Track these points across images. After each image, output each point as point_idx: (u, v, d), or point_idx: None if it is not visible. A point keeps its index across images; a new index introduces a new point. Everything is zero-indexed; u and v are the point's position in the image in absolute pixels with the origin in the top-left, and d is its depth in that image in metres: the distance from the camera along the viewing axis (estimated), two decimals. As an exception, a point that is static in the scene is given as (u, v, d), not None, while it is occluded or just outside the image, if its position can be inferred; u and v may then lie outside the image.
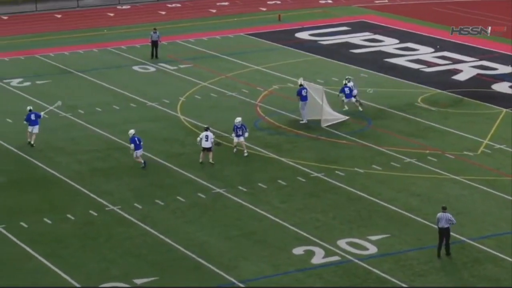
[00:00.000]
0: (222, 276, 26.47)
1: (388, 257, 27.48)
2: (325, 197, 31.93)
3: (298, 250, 27.92)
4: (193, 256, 27.63)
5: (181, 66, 49.00)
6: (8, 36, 56.38)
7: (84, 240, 28.79)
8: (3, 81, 46.46)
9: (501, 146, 36.73)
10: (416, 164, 34.88)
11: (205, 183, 33.15)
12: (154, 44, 50.16)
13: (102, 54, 51.85)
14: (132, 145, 34.24)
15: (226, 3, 65.32)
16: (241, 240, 28.74)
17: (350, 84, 41.00)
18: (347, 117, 39.87)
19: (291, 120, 39.95)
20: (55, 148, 36.86)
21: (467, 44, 52.42)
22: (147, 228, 29.58)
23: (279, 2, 65.58)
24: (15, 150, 36.60)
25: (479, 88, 44.68)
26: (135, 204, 31.41)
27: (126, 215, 30.61)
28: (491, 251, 27.90)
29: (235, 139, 35.73)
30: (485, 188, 32.59)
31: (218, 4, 65.00)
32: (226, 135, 36.50)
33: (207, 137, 34.67)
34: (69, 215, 30.50)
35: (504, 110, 41.12)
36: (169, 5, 64.98)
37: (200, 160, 34.87)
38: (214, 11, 63.15)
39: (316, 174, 33.91)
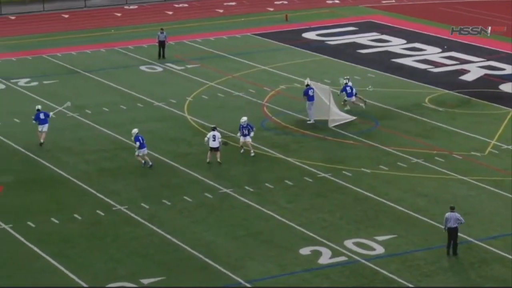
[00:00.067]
0: (228, 276, 26.48)
1: (395, 258, 27.45)
2: (332, 197, 31.92)
3: (305, 250, 27.91)
4: (200, 256, 27.64)
5: (188, 66, 49.03)
6: (16, 36, 56.50)
7: (91, 240, 28.84)
8: (11, 81, 46.56)
9: (509, 147, 36.65)
10: (423, 164, 34.83)
11: (212, 183, 33.17)
12: (161, 44, 50.20)
13: (109, 54, 51.92)
14: (138, 143, 34.28)
15: (233, 3, 65.34)
16: (248, 240, 28.75)
17: (350, 83, 41.05)
18: (354, 118, 39.84)
19: (298, 120, 39.94)
20: (63, 148, 36.91)
21: (475, 44, 52.34)
22: (154, 228, 29.61)
23: (286, 2, 65.57)
24: (23, 150, 36.67)
25: (486, 89, 44.61)
26: (142, 204, 31.44)
27: (133, 215, 30.64)
28: (498, 251, 27.85)
29: (241, 139, 35.75)
30: (492, 189, 32.53)
31: (225, 4, 65.01)
32: (233, 134, 36.50)
33: (214, 137, 34.69)
34: (76, 215, 30.55)
35: (512, 110, 41.10)
36: (176, 5, 65.02)
37: (207, 160, 34.88)
38: (221, 11, 63.17)
39: (323, 174, 33.90)
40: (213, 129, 35.18)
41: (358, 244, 28.28)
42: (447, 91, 44.31)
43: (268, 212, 30.76)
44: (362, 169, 34.32)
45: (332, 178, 33.54)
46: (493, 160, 35.34)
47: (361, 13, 61.61)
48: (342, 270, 26.76)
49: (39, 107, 37.82)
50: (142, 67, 49.14)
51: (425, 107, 41.82)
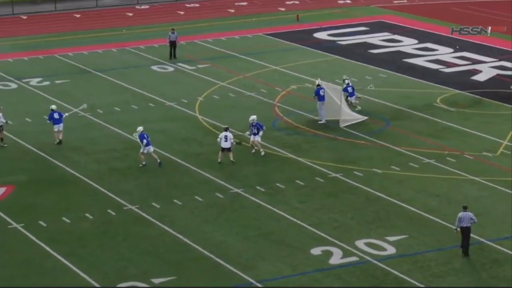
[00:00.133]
0: (240, 276, 26.46)
1: (407, 258, 27.39)
2: (343, 198, 31.87)
3: (316, 251, 27.87)
4: (211, 255, 27.64)
5: (200, 66, 49.05)
6: (27, 36, 56.66)
7: (102, 239, 28.88)
8: (22, 81, 46.69)
9: (521, 147, 36.53)
10: (434, 164, 34.74)
11: (223, 183, 33.16)
12: (172, 44, 50.25)
13: (120, 54, 51.99)
14: (145, 141, 34.33)
15: (245, 3, 65.34)
16: (259, 240, 28.73)
17: (350, 83, 41.06)
18: (365, 118, 39.77)
19: (309, 120, 39.90)
20: (74, 148, 36.99)
21: (487, 45, 52.18)
22: (165, 227, 29.62)
23: (297, 2, 65.53)
24: (35, 150, 36.76)
25: (498, 89, 44.45)
26: (153, 204, 31.46)
27: (144, 214, 30.67)
28: (510, 252, 27.74)
29: (251, 138, 35.74)
30: (504, 189, 32.40)
31: (236, 4, 65.02)
32: (241, 133, 36.41)
33: (226, 137, 34.69)
34: (87, 214, 30.60)
35: (524, 110, 40.93)
36: (188, 5, 65.08)
37: (219, 160, 34.88)
38: (232, 11, 63.18)
39: (334, 175, 33.85)
40: (226, 129, 35.17)
41: (369, 245, 28.22)
42: (459, 91, 44.19)
43: (279, 212, 30.73)
44: (374, 169, 34.25)
45: (344, 178, 33.49)
46: (505, 160, 35.20)
47: (373, 13, 61.51)
48: (353, 270, 26.71)
49: (54, 107, 37.92)
50: (154, 67, 49.19)
51: (437, 107, 41.71)
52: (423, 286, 25.96)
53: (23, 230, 29.50)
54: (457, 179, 33.44)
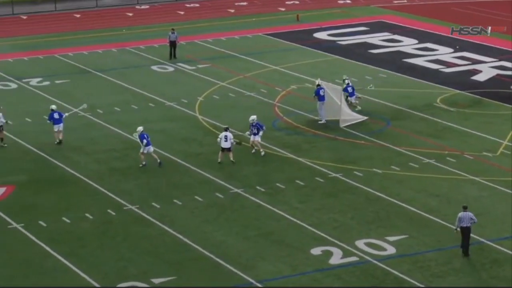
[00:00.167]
0: (240, 276, 26.46)
1: (407, 258, 27.38)
2: (343, 198, 31.87)
3: (316, 251, 27.87)
4: (211, 255, 27.63)
5: (200, 66, 49.05)
6: (27, 36, 56.65)
7: (102, 239, 28.87)
8: (22, 81, 46.68)
9: (521, 147, 36.53)
10: (435, 164, 34.74)
11: (223, 183, 33.16)
12: (172, 44, 50.24)
13: (120, 54, 51.99)
14: (145, 141, 34.33)
15: (245, 3, 65.33)
16: (259, 240, 28.73)
17: (350, 83, 41.08)
18: (365, 118, 39.76)
19: (309, 120, 39.90)
20: (74, 148, 36.98)
21: (487, 45, 52.18)
22: (165, 227, 29.62)
23: (297, 2, 65.53)
24: (35, 150, 36.76)
25: (498, 89, 44.44)
26: (153, 204, 31.46)
27: (144, 214, 30.67)
28: (510, 252, 27.73)
29: (251, 138, 35.74)
30: (504, 189, 32.40)
31: (236, 4, 65.02)
32: (240, 133, 36.42)
33: (226, 137, 34.69)
34: (87, 214, 30.60)
35: (524, 110, 40.92)
36: (188, 5, 65.07)
37: (219, 160, 34.88)
38: (232, 11, 63.18)
39: (334, 175, 33.84)
40: (226, 129, 35.17)
41: (369, 245, 28.22)
42: (458, 91, 44.18)
43: (279, 212, 30.73)
44: (374, 169, 34.25)
45: (343, 178, 33.48)
46: (505, 160, 35.20)
47: (373, 13, 61.51)
48: (353, 270, 26.71)
49: (54, 107, 37.92)
50: (154, 67, 49.19)
51: (437, 107, 41.71)
52: (423, 286, 25.96)
53: (23, 230, 29.50)
54: (457, 179, 33.45)
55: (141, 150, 34.58)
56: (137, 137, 34.77)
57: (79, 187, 33.04)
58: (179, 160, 35.46)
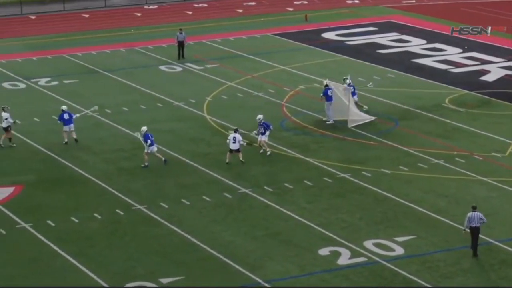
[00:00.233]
0: (247, 276, 26.45)
1: (415, 259, 27.33)
2: (351, 198, 31.83)
3: (324, 251, 27.84)
4: (219, 255, 27.63)
5: (208, 66, 49.07)
6: (36, 36, 56.76)
7: (111, 239, 28.90)
8: (31, 81, 46.78)
9: (530, 148, 36.43)
10: (443, 165, 34.67)
11: (231, 183, 33.16)
12: (180, 44, 50.27)
13: (129, 54, 52.05)
14: (149, 141, 34.34)
15: (253, 3, 65.33)
16: (267, 240, 28.72)
17: (352, 83, 41.05)
18: (374, 118, 39.71)
19: (317, 120, 39.87)
20: (82, 147, 37.03)
21: (495, 45, 52.05)
22: (173, 227, 29.63)
23: (306, 2, 65.49)
24: (43, 149, 36.83)
25: (507, 89, 44.33)
26: (161, 204, 31.48)
27: (152, 214, 30.69)
28: (519, 253, 27.69)
29: (259, 138, 35.73)
30: (513, 190, 32.35)
31: (244, 4, 65.02)
32: (248, 132, 36.32)
33: (234, 139, 34.67)
34: (95, 214, 30.63)
35: (533, 111, 40.81)
36: (196, 5, 65.10)
37: (227, 161, 34.87)
38: (240, 11, 63.18)
39: (342, 175, 33.80)
40: (235, 131, 35.14)
41: (377, 245, 28.18)
42: (467, 91, 44.09)
43: (287, 212, 30.71)
44: (382, 169, 34.20)
45: (352, 179, 33.44)
46: (514, 161, 35.13)
47: (381, 13, 61.43)
48: (361, 271, 26.67)
49: (64, 107, 37.97)
50: (162, 67, 49.22)
51: (446, 108, 41.63)
52: (431, 286, 25.90)
53: (31, 230, 29.55)
54: (466, 180, 33.37)
55: (146, 150, 34.58)
56: (139, 136, 34.76)
57: (88, 187, 33.08)
58: (187, 160, 35.47)
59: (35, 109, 42.06)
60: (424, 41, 53.72)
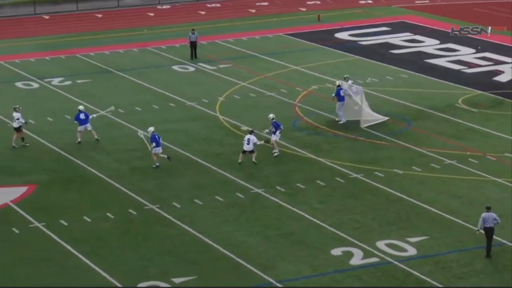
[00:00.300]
0: (260, 276, 26.45)
1: (428, 259, 27.27)
2: (364, 198, 31.78)
3: (337, 251, 27.82)
4: (231, 255, 27.64)
5: (220, 66, 49.10)
6: (49, 36, 56.93)
7: (123, 239, 28.95)
8: (44, 80, 46.92)
9: (543, 148, 36.27)
10: (456, 165, 34.57)
11: (243, 183, 33.16)
12: (193, 45, 50.32)
13: (142, 54, 52.14)
14: (154, 143, 34.37)
15: (266, 3, 65.33)
16: (279, 240, 28.71)
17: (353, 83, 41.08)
18: (387, 118, 39.65)
19: (330, 120, 39.83)
20: (96, 147, 37.12)
21: (509, 45, 51.86)
22: (186, 227, 29.66)
23: (318, 2, 65.44)
24: (56, 149, 36.93)
25: (521, 90, 44.21)
26: (174, 203, 31.52)
27: (164, 214, 30.73)
28: (532, 254, 27.57)
29: (271, 138, 35.72)
30: (526, 191, 32.23)
31: (257, 4, 65.02)
32: (260, 132, 36.32)
33: (249, 140, 34.66)
34: (108, 214, 30.70)
35: (546, 111, 40.63)
36: (209, 5, 65.15)
37: (239, 161, 34.88)
38: (253, 11, 63.19)
39: (354, 175, 33.76)
40: (250, 132, 35.09)
41: (390, 245, 28.13)
42: (480, 92, 43.96)
43: (300, 212, 30.70)
44: (395, 170, 34.13)
45: (364, 179, 33.39)
46: (528, 161, 35.00)
47: (394, 13, 61.32)
48: (374, 271, 26.63)
49: (81, 107, 38.09)
50: (175, 67, 49.29)
51: (459, 108, 41.52)
52: (444, 287, 25.83)
53: (44, 229, 29.64)
54: (479, 180, 33.27)
55: (153, 151, 34.59)
56: (142, 136, 34.75)
57: (100, 187, 33.16)
58: (199, 160, 35.50)
59: (48, 108, 42.19)
60: (437, 41, 53.59)
